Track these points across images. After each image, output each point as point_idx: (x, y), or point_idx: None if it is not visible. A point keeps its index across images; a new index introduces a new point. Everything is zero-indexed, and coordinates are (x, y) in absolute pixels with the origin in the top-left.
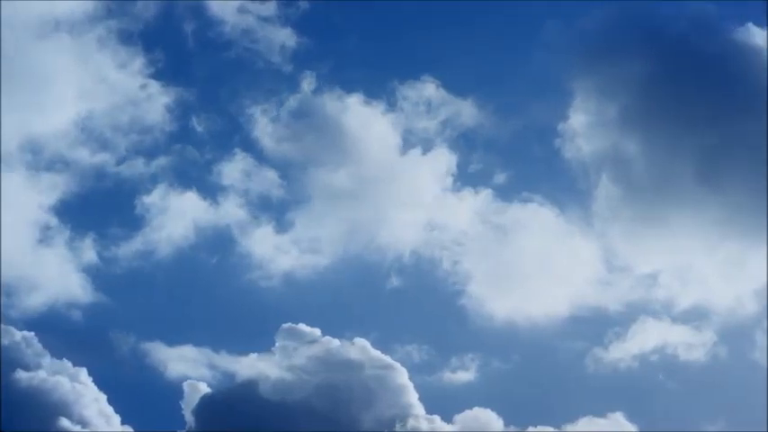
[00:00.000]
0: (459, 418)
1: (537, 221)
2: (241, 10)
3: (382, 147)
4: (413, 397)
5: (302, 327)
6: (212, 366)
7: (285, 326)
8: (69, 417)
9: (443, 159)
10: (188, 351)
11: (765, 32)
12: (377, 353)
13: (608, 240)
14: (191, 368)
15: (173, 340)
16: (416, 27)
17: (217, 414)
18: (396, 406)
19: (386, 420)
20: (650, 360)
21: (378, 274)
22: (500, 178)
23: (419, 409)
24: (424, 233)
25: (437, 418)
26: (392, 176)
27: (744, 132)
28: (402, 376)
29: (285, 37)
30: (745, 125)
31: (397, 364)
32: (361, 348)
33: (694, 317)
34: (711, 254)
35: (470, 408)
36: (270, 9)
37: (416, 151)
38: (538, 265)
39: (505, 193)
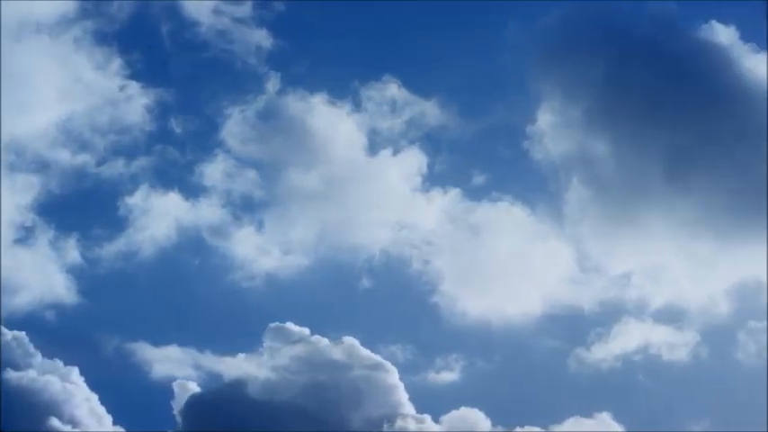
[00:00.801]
0: (445, 418)
1: (507, 221)
2: (216, 11)
3: (349, 148)
4: (402, 396)
5: (290, 326)
6: (201, 367)
7: (272, 325)
8: (60, 416)
9: (411, 160)
10: (175, 351)
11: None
12: (366, 351)
13: (580, 240)
14: (178, 368)
15: (158, 341)
16: (380, 27)
17: (205, 414)
18: (385, 405)
19: (374, 420)
20: (632, 360)
21: (351, 274)
22: (469, 178)
23: (408, 408)
24: (394, 233)
25: (426, 417)
26: (361, 177)
27: (711, 130)
28: (392, 376)
29: (260, 38)
30: (711, 123)
31: (388, 363)
32: (349, 347)
33: (671, 317)
34: (682, 253)
35: (457, 408)
36: (245, 10)
37: (384, 152)
38: (510, 265)
39: (475, 193)
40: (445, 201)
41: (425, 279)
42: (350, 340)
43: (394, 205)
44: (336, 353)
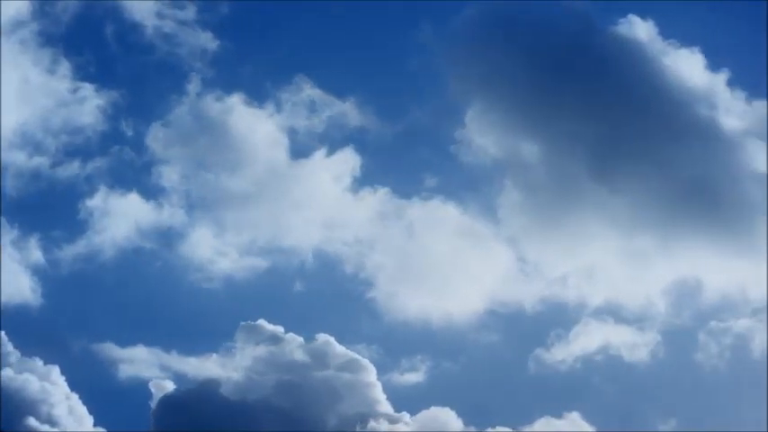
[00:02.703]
0: (415, 418)
1: (441, 219)
2: (159, 14)
3: (274, 151)
4: (379, 395)
5: (263, 324)
6: (174, 367)
7: (244, 323)
8: (37, 416)
9: (337, 160)
10: (143, 352)
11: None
12: (341, 348)
13: (515, 240)
14: (150, 369)
15: (125, 341)
16: (287, 26)
17: (179, 414)
18: (361, 404)
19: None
20: (592, 360)
21: (285, 275)
22: (397, 178)
23: (382, 406)
24: (326, 233)
25: (402, 416)
26: (288, 180)
27: (636, 128)
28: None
29: (205, 40)
30: (636, 121)
31: (365, 361)
32: (323, 345)
33: (611, 316)
34: (618, 253)
35: (427, 407)
36: (188, 14)
37: (309, 153)
38: (447, 263)
39: (405, 192)
40: (375, 200)
41: (361, 278)
42: (324, 337)
43: (324, 205)
44: (311, 351)
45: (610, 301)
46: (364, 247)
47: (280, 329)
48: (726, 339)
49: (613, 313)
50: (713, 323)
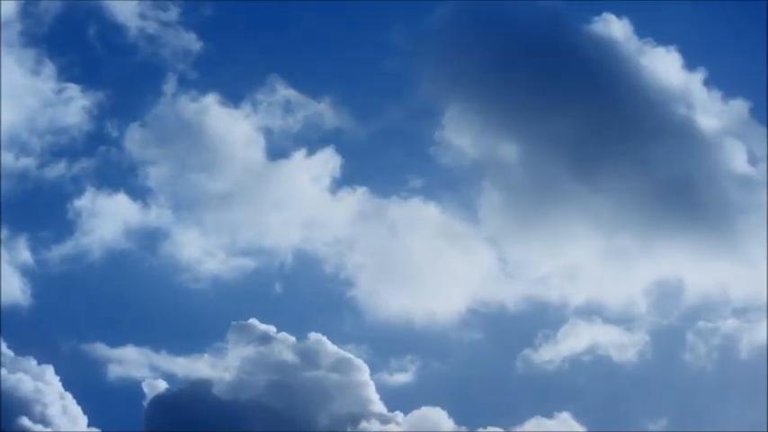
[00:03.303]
0: (407, 418)
1: (420, 219)
2: (142, 15)
3: (249, 150)
4: (372, 394)
5: (254, 323)
6: (166, 367)
7: (235, 323)
8: (31, 416)
9: (315, 160)
10: (138, 353)
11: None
12: (333, 347)
13: (496, 240)
14: (145, 369)
15: (115, 342)
16: (267, 28)
17: (171, 414)
18: (354, 403)
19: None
20: (580, 360)
21: (271, 275)
22: (376, 178)
23: (376, 406)
24: (306, 233)
25: (395, 415)
26: (267, 180)
27: (614, 128)
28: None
29: (188, 41)
30: (614, 120)
31: (359, 361)
32: (316, 344)
33: (592, 315)
34: (600, 252)
35: (418, 407)
36: (171, 15)
37: (287, 153)
38: (428, 263)
39: (384, 192)
40: (354, 199)
41: (343, 278)
42: (317, 336)
43: (303, 206)
44: (304, 350)
45: (592, 300)
46: (344, 247)
47: (272, 329)
48: (711, 339)
49: (596, 313)
50: (701, 323)
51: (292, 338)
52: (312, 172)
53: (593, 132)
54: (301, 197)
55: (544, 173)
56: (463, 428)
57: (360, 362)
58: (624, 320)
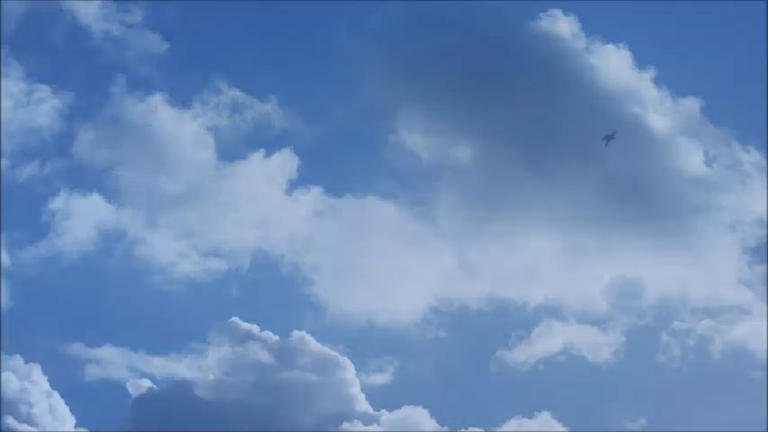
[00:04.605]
0: (389, 416)
1: (377, 218)
2: (107, 18)
3: (201, 151)
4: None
5: (237, 322)
6: (149, 367)
7: (217, 323)
8: (16, 415)
9: (269, 161)
10: (120, 353)
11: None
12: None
13: (452, 239)
14: (129, 370)
15: (96, 342)
16: (211, 29)
17: (155, 413)
18: (338, 401)
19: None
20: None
21: (235, 275)
22: (331, 177)
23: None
24: (263, 233)
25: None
26: (221, 181)
27: (568, 125)
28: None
29: (152, 42)
30: (567, 118)
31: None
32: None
33: (553, 314)
34: (556, 251)
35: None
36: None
37: (241, 154)
38: (388, 262)
39: (339, 191)
40: (309, 199)
41: (301, 277)
42: (300, 334)
43: (259, 206)
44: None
45: (552, 299)
46: (301, 247)
47: (255, 327)
48: (673, 337)
49: (557, 311)
50: (660, 321)
51: (275, 337)
52: (267, 172)
53: (547, 131)
54: (257, 198)
55: (500, 172)
56: (445, 428)
57: (345, 360)
58: (586, 319)
